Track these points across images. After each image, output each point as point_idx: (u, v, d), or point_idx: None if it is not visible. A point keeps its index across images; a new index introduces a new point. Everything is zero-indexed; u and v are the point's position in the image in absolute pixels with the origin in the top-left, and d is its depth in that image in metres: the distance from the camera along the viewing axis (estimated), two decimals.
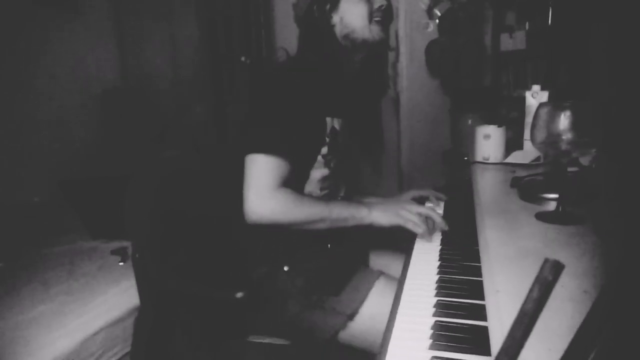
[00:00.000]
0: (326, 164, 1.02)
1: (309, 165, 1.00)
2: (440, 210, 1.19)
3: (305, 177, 1.01)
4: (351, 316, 0.91)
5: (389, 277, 0.99)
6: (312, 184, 1.02)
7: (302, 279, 0.95)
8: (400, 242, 1.17)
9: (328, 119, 1.00)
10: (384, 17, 1.02)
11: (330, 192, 1.06)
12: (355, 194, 1.25)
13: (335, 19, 1.02)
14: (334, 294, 0.93)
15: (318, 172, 1.02)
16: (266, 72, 1.06)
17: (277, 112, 0.94)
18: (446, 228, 0.96)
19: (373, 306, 0.92)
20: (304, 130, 0.95)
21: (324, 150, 1.00)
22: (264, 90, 0.99)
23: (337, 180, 1.07)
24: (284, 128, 0.92)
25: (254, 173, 0.91)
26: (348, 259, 1.03)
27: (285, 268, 0.96)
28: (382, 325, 0.87)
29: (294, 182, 0.98)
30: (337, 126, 1.02)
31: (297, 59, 1.06)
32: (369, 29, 1.00)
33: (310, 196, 1.03)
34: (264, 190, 0.90)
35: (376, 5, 1.00)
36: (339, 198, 1.10)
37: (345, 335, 0.92)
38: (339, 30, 1.02)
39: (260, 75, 1.10)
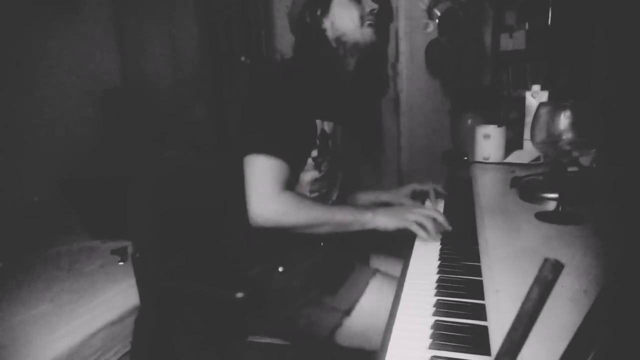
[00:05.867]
0: (316, 167, 1.01)
1: (299, 168, 0.99)
2: (441, 210, 1.19)
3: (295, 179, 1.01)
4: (348, 312, 0.91)
5: (385, 274, 0.99)
6: (302, 186, 1.01)
7: (298, 279, 0.95)
8: (400, 246, 1.17)
9: (318, 122, 1.00)
10: (377, 20, 1.03)
11: (321, 195, 1.05)
12: (347, 199, 1.25)
13: (327, 23, 1.03)
14: (330, 293, 0.93)
15: (308, 175, 1.01)
16: (260, 75, 1.06)
17: (274, 114, 0.94)
18: (450, 229, 0.96)
19: (369, 302, 0.92)
20: (295, 132, 0.95)
21: (314, 153, 1.00)
22: (259, 92, 0.99)
23: (328, 183, 1.07)
24: (281, 130, 0.93)
25: (255, 175, 0.91)
26: (343, 256, 1.03)
27: (280, 269, 0.96)
28: (379, 321, 0.87)
29: (294, 184, 0.97)
30: (327, 129, 1.01)
31: (290, 62, 1.07)
32: (360, 32, 1.01)
33: (313, 199, 1.03)
34: (268, 193, 0.90)
35: (368, 9, 1.01)
36: (331, 202, 1.09)
37: (342, 332, 0.92)
38: (330, 34, 1.03)
39: (254, 78, 1.10)
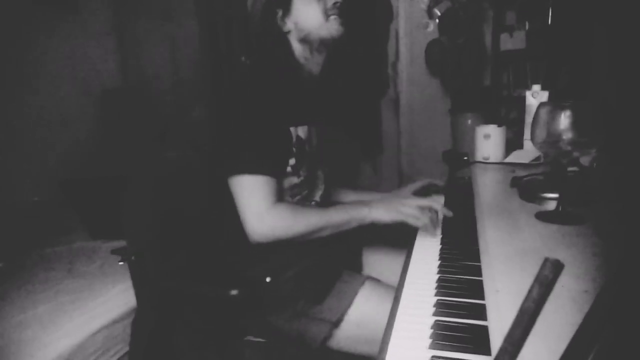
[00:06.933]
0: (294, 173, 0.99)
1: (281, 178, 0.97)
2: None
3: (281, 188, 0.99)
4: (336, 323, 0.90)
5: (375, 281, 0.98)
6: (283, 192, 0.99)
7: (286, 288, 0.95)
8: (396, 244, 1.17)
9: (292, 129, 0.97)
10: (342, 11, 0.98)
11: (302, 197, 1.04)
12: (331, 197, 1.24)
13: (290, 24, 0.99)
14: (317, 302, 0.92)
15: (287, 181, 0.99)
16: (228, 88, 1.01)
17: (248, 130, 0.92)
18: (450, 214, 0.95)
19: (359, 312, 0.91)
20: (272, 144, 0.93)
21: (292, 161, 0.97)
22: (230, 107, 0.97)
23: (309, 186, 1.05)
24: (259, 145, 0.91)
25: (245, 196, 0.90)
26: (330, 264, 1.02)
27: (268, 279, 0.94)
28: (370, 331, 0.87)
29: (283, 194, 0.96)
30: (302, 134, 0.99)
31: (255, 71, 1.01)
32: (325, 27, 0.97)
33: (307, 206, 1.02)
34: (262, 210, 0.89)
35: (330, 3, 0.97)
36: (313, 202, 1.08)
37: (332, 343, 0.92)
38: (295, 35, 1.00)
39: (224, 91, 1.07)
